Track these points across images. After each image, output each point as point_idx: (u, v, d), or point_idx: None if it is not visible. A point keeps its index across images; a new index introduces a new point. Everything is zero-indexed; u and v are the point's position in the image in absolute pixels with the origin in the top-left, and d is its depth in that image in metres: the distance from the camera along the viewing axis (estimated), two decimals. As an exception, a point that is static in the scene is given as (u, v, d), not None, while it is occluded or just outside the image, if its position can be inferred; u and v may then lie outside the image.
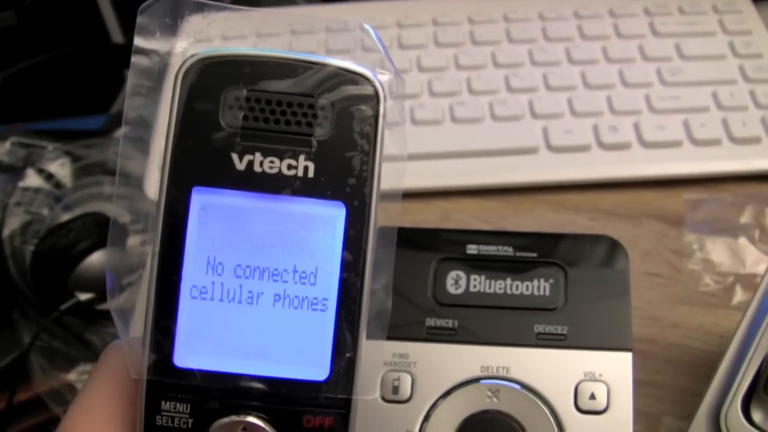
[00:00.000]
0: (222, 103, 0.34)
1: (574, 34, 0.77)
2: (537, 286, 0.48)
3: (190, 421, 0.34)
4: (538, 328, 0.47)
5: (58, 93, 0.81)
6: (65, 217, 0.69)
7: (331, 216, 0.34)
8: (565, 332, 0.47)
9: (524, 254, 0.49)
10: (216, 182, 0.34)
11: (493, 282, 0.49)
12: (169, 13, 0.36)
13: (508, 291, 0.48)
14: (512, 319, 0.47)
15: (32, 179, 0.71)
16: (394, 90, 0.36)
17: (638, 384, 0.53)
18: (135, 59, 0.35)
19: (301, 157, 0.34)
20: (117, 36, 0.82)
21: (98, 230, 0.66)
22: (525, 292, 0.48)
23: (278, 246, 0.34)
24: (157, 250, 0.34)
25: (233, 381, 0.34)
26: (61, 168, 0.72)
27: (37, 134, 0.74)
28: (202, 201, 0.34)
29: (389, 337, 0.47)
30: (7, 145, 0.73)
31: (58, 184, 0.71)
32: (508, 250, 0.50)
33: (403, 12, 0.80)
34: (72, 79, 0.80)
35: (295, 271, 0.34)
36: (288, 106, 0.34)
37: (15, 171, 0.71)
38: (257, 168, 0.34)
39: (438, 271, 0.49)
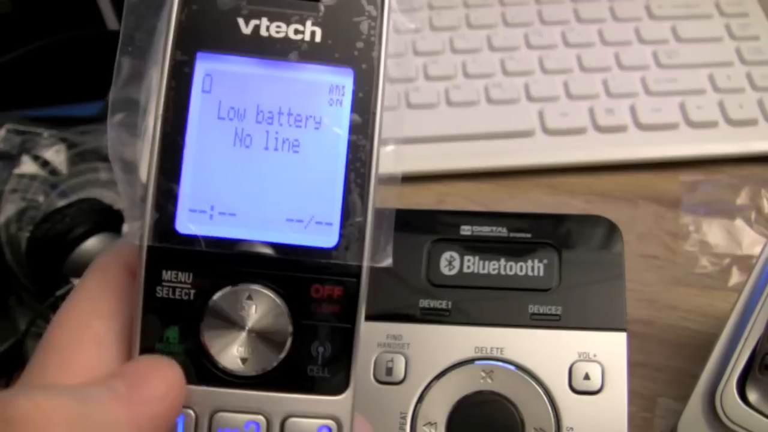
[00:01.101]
0: None
1: (570, 17, 0.77)
2: (531, 267, 0.48)
3: (192, 291, 0.33)
4: (533, 308, 0.47)
5: (54, 80, 0.81)
6: (61, 203, 0.69)
7: (339, 81, 0.34)
8: (559, 312, 0.47)
9: (518, 235, 0.49)
10: (221, 47, 0.33)
11: (486, 263, 0.49)
12: None
13: (502, 272, 0.48)
14: (506, 300, 0.47)
15: (28, 166, 0.71)
16: None
17: (634, 365, 0.53)
18: None
19: (308, 22, 0.33)
20: (112, 23, 0.82)
21: (94, 216, 0.66)
22: (519, 273, 0.48)
23: (285, 111, 0.34)
24: (161, 113, 0.33)
25: (238, 248, 0.33)
26: (56, 155, 0.71)
27: (32, 121, 0.74)
28: (206, 66, 0.33)
29: (383, 318, 0.47)
30: (2, 132, 0.73)
31: (53, 171, 0.71)
32: (502, 231, 0.50)
33: (399, -4, 0.79)
34: (67, 66, 0.80)
35: (302, 137, 0.34)
36: None
37: (10, 158, 0.71)
38: (264, 32, 0.33)
39: (432, 253, 0.49)
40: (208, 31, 0.33)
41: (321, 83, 0.34)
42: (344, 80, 0.34)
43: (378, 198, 0.34)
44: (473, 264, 0.49)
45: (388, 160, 0.35)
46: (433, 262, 0.49)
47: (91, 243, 0.65)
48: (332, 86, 0.34)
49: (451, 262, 0.49)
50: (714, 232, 0.62)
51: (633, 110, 0.69)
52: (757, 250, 0.60)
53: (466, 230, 0.50)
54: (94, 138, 0.72)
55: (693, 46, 0.74)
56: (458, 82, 0.72)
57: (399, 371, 0.46)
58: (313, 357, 0.34)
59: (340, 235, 0.33)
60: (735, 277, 0.60)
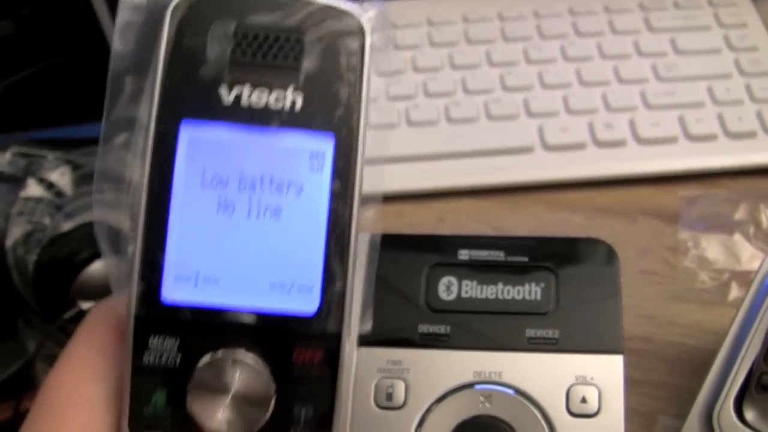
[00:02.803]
0: (211, 36, 0.34)
1: (569, 31, 0.77)
2: (528, 291, 0.49)
3: (179, 357, 0.34)
4: (530, 332, 0.47)
5: (58, 101, 0.81)
6: (67, 225, 0.70)
7: (320, 147, 0.34)
8: (556, 336, 0.47)
9: (515, 258, 0.50)
10: (204, 115, 0.34)
11: (484, 287, 0.49)
12: None
13: (500, 296, 0.49)
14: (504, 324, 0.48)
15: (33, 189, 0.71)
16: (380, 24, 0.36)
17: (633, 383, 0.54)
18: None
19: (289, 90, 0.34)
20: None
21: (99, 239, 0.67)
22: (516, 297, 0.49)
23: (267, 178, 0.34)
24: (146, 182, 0.34)
25: (222, 315, 0.34)
26: (61, 177, 0.72)
27: (37, 143, 0.75)
28: (190, 134, 0.34)
29: (383, 344, 0.48)
30: (8, 155, 0.73)
31: (58, 193, 0.72)
32: (499, 255, 0.50)
33: (398, 12, 0.80)
34: (72, 86, 0.81)
35: (284, 203, 0.34)
36: (275, 40, 0.34)
37: (16, 181, 0.72)
38: (245, 101, 0.34)
39: (430, 278, 0.50)
40: (191, 100, 0.34)
41: (302, 149, 0.34)
42: (325, 146, 0.34)
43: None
44: (471, 288, 0.49)
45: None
46: (432, 287, 0.49)
47: (97, 266, 0.65)
48: (313, 152, 0.34)
49: (449, 287, 0.49)
50: (713, 248, 0.63)
51: (632, 124, 0.70)
52: (755, 265, 0.60)
53: (463, 254, 0.50)
54: (99, 159, 0.73)
55: (692, 59, 0.74)
56: (458, 98, 0.73)
57: (399, 396, 0.46)
58: (296, 418, 0.35)
59: (321, 301, 0.34)
60: (734, 292, 0.60)
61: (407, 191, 0.68)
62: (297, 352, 0.34)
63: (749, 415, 0.46)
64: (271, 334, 0.34)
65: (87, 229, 0.67)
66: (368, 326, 0.37)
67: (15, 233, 0.70)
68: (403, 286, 0.49)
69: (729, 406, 0.47)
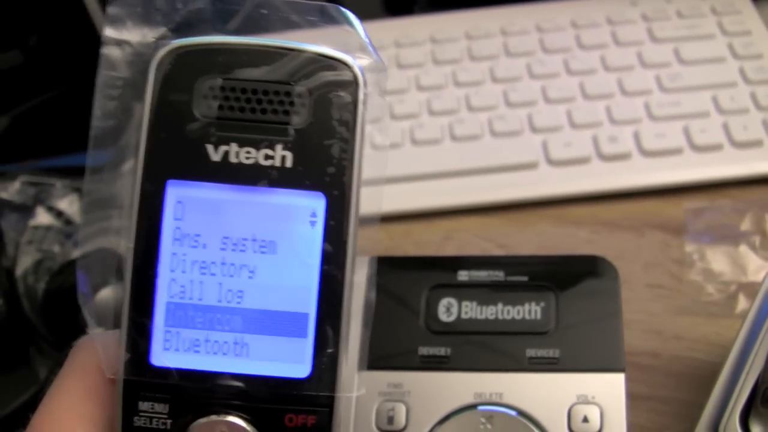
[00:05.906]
0: (196, 92, 0.33)
1: (572, 45, 0.77)
2: (528, 310, 0.49)
3: (169, 421, 0.33)
4: (530, 352, 0.47)
5: (66, 129, 0.82)
6: (76, 253, 0.70)
7: (311, 207, 0.33)
8: (557, 355, 0.47)
9: (515, 278, 0.50)
10: (191, 175, 0.33)
11: (484, 308, 0.49)
12: (141, 3, 0.35)
13: (500, 316, 0.49)
14: (504, 345, 0.48)
15: (42, 217, 0.72)
16: (375, 76, 0.35)
17: (640, 399, 0.53)
18: (106, 50, 0.34)
19: (278, 147, 0.33)
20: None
21: (107, 266, 0.67)
22: (516, 317, 0.49)
23: (257, 239, 0.33)
24: (132, 246, 0.33)
25: (212, 379, 0.33)
26: (70, 205, 0.73)
27: (45, 172, 0.76)
28: (177, 195, 0.33)
29: (383, 367, 0.48)
30: (17, 184, 0.74)
31: (68, 221, 0.72)
32: (498, 275, 0.50)
33: (401, 30, 0.80)
34: (79, 115, 0.82)
35: (274, 266, 0.33)
36: (264, 95, 0.33)
37: (25, 210, 0.73)
38: (233, 159, 0.33)
39: (430, 299, 0.50)
40: (177, 160, 0.33)
41: (292, 209, 0.33)
42: (316, 206, 0.33)
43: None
44: (471, 310, 0.49)
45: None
46: (432, 309, 0.49)
47: (105, 293, 0.65)
48: (304, 212, 0.33)
49: (449, 309, 0.49)
50: (719, 260, 0.62)
51: (637, 137, 0.69)
52: (762, 276, 0.60)
53: (463, 275, 0.50)
54: (107, 186, 0.73)
55: (696, 68, 0.74)
56: (462, 116, 0.73)
57: (400, 419, 0.46)
58: None
59: (313, 366, 0.33)
60: (741, 304, 0.60)
61: (413, 210, 0.68)
62: (288, 417, 0.33)
63: (756, 430, 0.46)
64: (262, 399, 0.33)
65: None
66: (362, 390, 0.36)
67: (25, 262, 0.70)
68: (403, 309, 0.49)
69: (735, 421, 0.46)
